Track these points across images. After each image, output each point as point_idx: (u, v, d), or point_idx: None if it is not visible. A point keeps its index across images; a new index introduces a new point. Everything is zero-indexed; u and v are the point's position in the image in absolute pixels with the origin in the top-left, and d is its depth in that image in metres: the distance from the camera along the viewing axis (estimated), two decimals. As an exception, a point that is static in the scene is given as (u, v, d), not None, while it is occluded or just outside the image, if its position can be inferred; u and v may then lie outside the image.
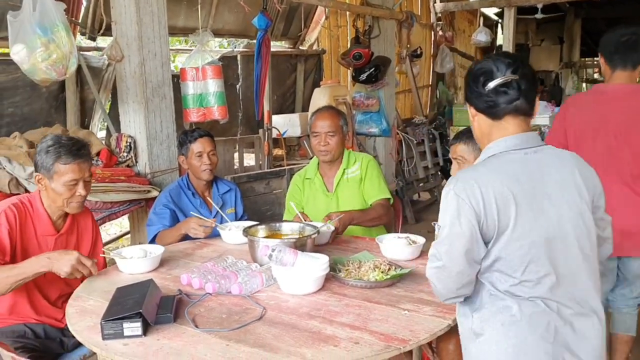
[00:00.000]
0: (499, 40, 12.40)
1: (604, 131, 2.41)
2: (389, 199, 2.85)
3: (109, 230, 5.71)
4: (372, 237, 2.70)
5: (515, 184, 1.47)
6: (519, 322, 1.46)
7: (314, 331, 1.62)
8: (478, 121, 1.60)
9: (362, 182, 2.86)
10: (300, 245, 2.10)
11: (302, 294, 1.89)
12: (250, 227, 2.30)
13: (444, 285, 1.52)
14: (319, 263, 1.91)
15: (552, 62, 12.97)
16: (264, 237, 2.26)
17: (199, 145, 2.87)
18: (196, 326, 1.66)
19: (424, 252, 2.31)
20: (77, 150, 2.19)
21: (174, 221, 2.76)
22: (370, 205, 2.81)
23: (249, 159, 5.56)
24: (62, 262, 1.97)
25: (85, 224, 2.44)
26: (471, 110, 1.62)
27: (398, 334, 1.59)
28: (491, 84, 1.51)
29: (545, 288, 1.46)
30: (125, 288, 1.84)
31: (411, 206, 6.62)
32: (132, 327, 1.60)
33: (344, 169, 2.89)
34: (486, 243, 1.48)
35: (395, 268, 2.04)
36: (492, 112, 1.54)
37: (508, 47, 9.45)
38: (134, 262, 2.14)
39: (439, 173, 7.54)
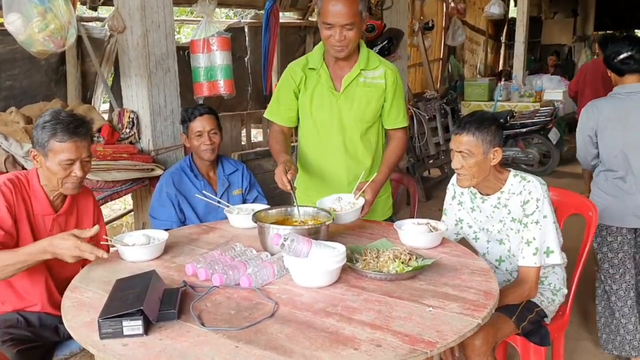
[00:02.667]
0: (512, 13, 12.08)
1: None
2: (406, 126, 2.57)
3: (113, 206, 5.59)
4: (379, 219, 2.54)
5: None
6: None
7: (331, 331, 1.47)
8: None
9: (384, 96, 2.44)
10: (314, 232, 1.95)
11: (317, 287, 1.74)
12: (259, 211, 2.15)
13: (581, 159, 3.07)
14: (335, 254, 1.76)
15: (565, 36, 12.68)
16: (275, 223, 2.10)
17: (198, 124, 2.71)
18: (202, 324, 1.52)
19: (445, 240, 2.17)
20: (74, 127, 2.04)
21: (177, 210, 2.62)
22: (386, 131, 2.54)
23: (257, 135, 5.41)
24: (63, 251, 1.85)
25: (86, 205, 2.30)
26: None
27: (424, 335, 1.44)
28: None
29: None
30: (125, 280, 1.70)
31: (422, 183, 6.47)
32: (133, 326, 1.46)
33: (361, 69, 2.40)
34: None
35: (416, 258, 1.89)
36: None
37: (522, 20, 9.20)
38: (136, 249, 2.00)
39: (450, 149, 7.37)
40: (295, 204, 2.16)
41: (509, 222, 2.20)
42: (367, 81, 2.43)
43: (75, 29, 2.76)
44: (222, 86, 3.82)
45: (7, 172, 2.80)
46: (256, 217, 2.05)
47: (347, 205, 2.29)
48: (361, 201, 2.28)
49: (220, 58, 3.80)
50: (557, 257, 2.14)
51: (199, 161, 2.79)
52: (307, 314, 1.58)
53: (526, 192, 2.13)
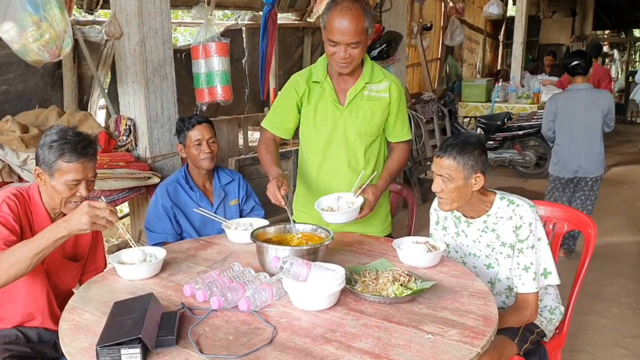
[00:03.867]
0: (510, 11, 12.05)
1: None
2: (409, 140, 2.56)
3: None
4: (378, 235, 2.53)
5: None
6: None
7: (330, 360, 1.47)
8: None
9: (389, 110, 2.42)
10: (313, 252, 1.94)
11: (316, 311, 1.73)
12: (257, 229, 2.13)
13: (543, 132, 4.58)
14: (334, 277, 1.74)
15: (564, 35, 12.67)
16: (273, 241, 2.09)
17: (197, 133, 2.70)
18: (201, 351, 1.51)
19: (444, 258, 2.16)
20: (82, 148, 2.01)
21: (174, 223, 2.61)
22: (388, 143, 2.53)
23: (255, 139, 5.38)
24: (77, 219, 1.77)
25: None
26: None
27: (423, 366, 1.44)
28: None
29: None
30: (123, 304, 1.69)
31: (419, 186, 6.46)
32: (131, 354, 1.45)
33: (366, 83, 2.38)
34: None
35: (415, 279, 1.88)
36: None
37: (520, 21, 9.19)
38: (134, 268, 1.98)
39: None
40: (290, 219, 2.15)
41: (498, 246, 2.17)
42: (371, 94, 2.41)
43: (70, 38, 2.73)
44: (220, 92, 3.79)
45: (3, 181, 2.78)
46: (254, 236, 2.03)
47: (345, 205, 2.28)
48: (360, 201, 2.27)
49: (218, 64, 3.78)
50: (555, 278, 2.13)
51: (194, 172, 2.77)
52: (305, 340, 1.57)
53: (517, 217, 2.10)
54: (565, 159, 4.53)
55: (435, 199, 2.28)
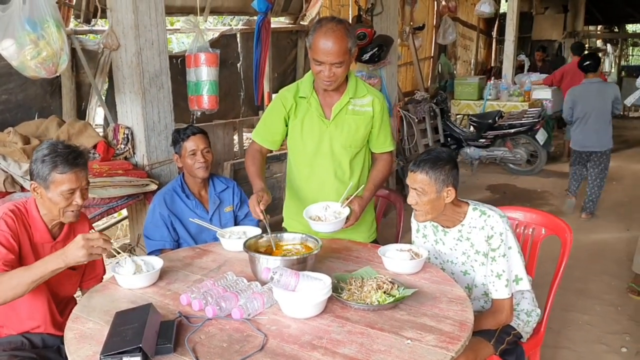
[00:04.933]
0: (504, 8, 12.14)
1: None
2: (392, 150, 2.70)
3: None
4: (364, 241, 2.66)
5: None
6: None
7: (316, 366, 1.60)
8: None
9: (372, 123, 2.55)
10: (302, 262, 2.07)
11: (304, 318, 1.86)
12: (250, 239, 2.26)
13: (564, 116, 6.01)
14: (321, 286, 1.87)
15: (556, 31, 12.78)
16: (265, 251, 2.22)
17: (192, 144, 2.81)
18: (197, 358, 1.64)
19: (426, 265, 2.29)
20: (73, 159, 2.14)
21: (171, 230, 2.73)
22: (372, 153, 2.66)
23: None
24: (73, 252, 1.90)
25: (83, 231, 2.39)
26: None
27: (401, 370, 1.57)
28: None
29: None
30: (124, 314, 1.81)
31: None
32: (132, 362, 1.57)
33: (350, 98, 2.51)
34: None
35: (398, 287, 2.01)
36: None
37: (512, 19, 9.29)
38: (133, 278, 2.10)
39: (440, 149, 7.48)
40: (268, 229, 2.27)
41: (472, 254, 2.31)
42: (355, 109, 2.53)
43: (67, 55, 2.84)
44: (206, 102, 3.92)
45: (7, 191, 2.89)
46: (247, 246, 2.16)
47: (331, 215, 2.41)
48: (346, 211, 2.40)
49: (206, 74, 3.89)
50: (526, 284, 2.27)
51: (190, 181, 2.89)
52: (294, 347, 1.69)
53: (488, 227, 2.23)
54: (582, 137, 5.80)
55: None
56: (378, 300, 1.92)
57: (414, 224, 2.50)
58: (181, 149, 2.85)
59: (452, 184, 2.20)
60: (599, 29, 17.67)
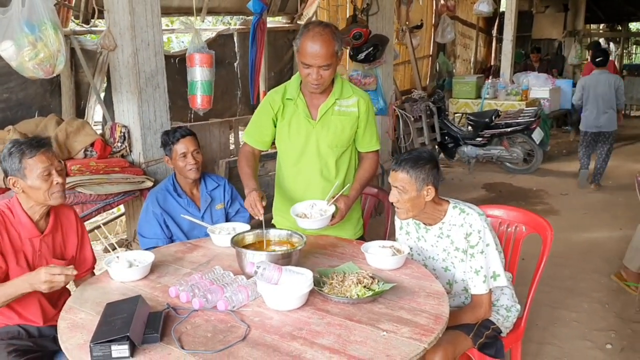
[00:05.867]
0: (503, 7, 12.17)
1: None
2: (378, 149, 2.77)
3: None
4: (351, 238, 2.74)
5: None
6: None
7: (295, 355, 1.68)
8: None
9: (357, 123, 2.62)
10: (287, 257, 2.15)
11: (286, 310, 1.95)
12: (237, 235, 2.34)
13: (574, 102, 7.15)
14: (303, 280, 1.96)
15: (556, 30, 12.82)
16: (252, 246, 2.31)
17: (182, 146, 2.89)
18: (182, 347, 1.72)
19: (408, 261, 2.37)
20: (37, 142, 2.24)
21: (164, 228, 2.81)
22: (359, 152, 2.74)
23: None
24: (37, 284, 2.03)
25: (69, 221, 2.47)
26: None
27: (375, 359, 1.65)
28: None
29: None
30: (114, 305, 1.90)
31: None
32: (120, 350, 1.66)
33: (336, 99, 2.58)
34: None
35: (377, 282, 2.09)
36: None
37: (510, 17, 9.35)
38: (125, 271, 2.19)
39: (437, 147, 7.55)
40: (263, 227, 2.36)
41: (452, 251, 2.39)
42: (341, 109, 2.61)
43: (64, 56, 2.93)
44: (199, 102, 4.01)
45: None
46: (234, 241, 2.25)
47: (317, 213, 2.50)
48: (332, 209, 2.49)
49: (200, 74, 3.98)
50: (503, 280, 2.35)
51: (182, 180, 2.98)
52: (274, 337, 1.78)
53: (467, 224, 2.31)
54: (591, 119, 6.77)
55: None
56: (357, 294, 2.00)
57: (397, 222, 2.58)
58: (171, 152, 2.93)
59: (432, 183, 2.28)
60: (601, 27, 17.67)
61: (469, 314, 2.34)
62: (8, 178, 2.23)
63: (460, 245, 2.35)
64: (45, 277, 2.00)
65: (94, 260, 2.60)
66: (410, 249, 2.52)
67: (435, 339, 1.79)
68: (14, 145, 2.21)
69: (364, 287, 2.04)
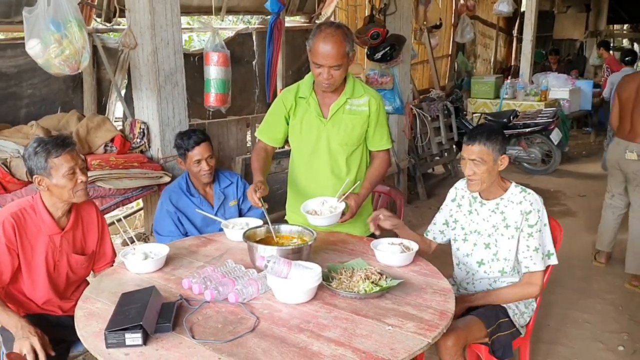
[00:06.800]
0: (524, 7, 12.09)
1: None
2: (389, 148, 2.81)
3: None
4: (359, 234, 2.78)
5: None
6: None
7: (301, 347, 1.73)
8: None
9: (368, 122, 2.67)
10: (297, 252, 2.21)
11: (295, 304, 2.00)
12: (249, 229, 2.40)
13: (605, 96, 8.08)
14: (312, 274, 2.01)
15: (577, 31, 12.67)
16: (263, 241, 2.37)
17: (196, 153, 2.96)
18: (193, 336, 1.79)
19: (417, 257, 2.41)
20: (62, 142, 2.31)
21: (178, 225, 2.88)
22: (369, 151, 2.78)
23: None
24: (21, 339, 2.13)
25: (90, 217, 2.55)
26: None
27: (379, 353, 1.70)
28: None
29: None
30: (129, 295, 1.97)
31: (423, 181, 6.67)
32: (133, 338, 1.73)
33: (347, 98, 2.63)
34: None
35: (385, 278, 2.14)
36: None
37: (530, 17, 9.29)
38: (140, 262, 2.27)
39: (454, 147, 7.54)
40: (268, 221, 2.43)
41: (502, 227, 2.47)
42: (352, 108, 2.66)
43: (88, 53, 3.02)
44: (213, 100, 4.09)
45: (29, 181, 3.08)
46: (246, 236, 2.31)
47: (328, 210, 2.55)
48: (342, 206, 2.54)
49: (215, 72, 4.04)
50: (555, 258, 2.47)
51: (195, 180, 3.04)
52: (282, 330, 1.84)
53: (527, 202, 2.41)
54: None
55: (461, 181, 2.63)
56: (365, 289, 2.05)
57: (451, 193, 2.68)
58: (185, 157, 2.99)
59: (504, 153, 2.41)
60: (624, 28, 17.42)
61: (517, 288, 2.46)
62: (34, 177, 2.30)
63: (511, 223, 2.44)
64: (28, 347, 2.10)
65: (114, 254, 2.67)
66: (456, 221, 2.62)
67: (439, 334, 1.84)
68: (39, 144, 2.27)
69: (372, 282, 2.09)
